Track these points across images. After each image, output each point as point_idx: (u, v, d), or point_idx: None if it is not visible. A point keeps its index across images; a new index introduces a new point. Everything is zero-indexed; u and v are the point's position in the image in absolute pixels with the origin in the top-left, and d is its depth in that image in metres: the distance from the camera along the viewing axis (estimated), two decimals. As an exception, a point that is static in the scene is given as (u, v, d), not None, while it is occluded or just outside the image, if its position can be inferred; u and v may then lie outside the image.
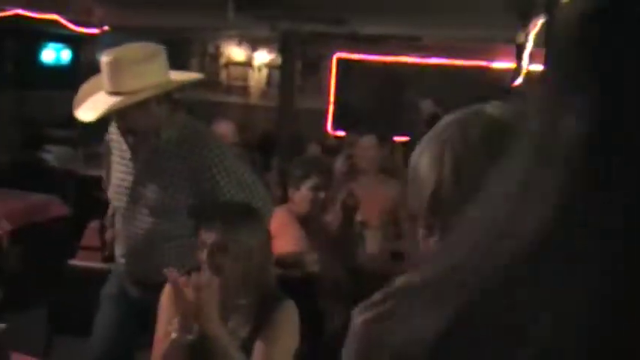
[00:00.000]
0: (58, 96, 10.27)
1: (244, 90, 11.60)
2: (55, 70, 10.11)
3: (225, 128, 5.14)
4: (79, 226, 5.26)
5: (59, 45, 10.24)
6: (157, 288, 2.43)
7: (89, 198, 6.63)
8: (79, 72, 10.42)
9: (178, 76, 2.83)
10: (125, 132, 2.72)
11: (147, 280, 2.70)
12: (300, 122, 9.51)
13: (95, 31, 8.67)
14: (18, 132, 8.87)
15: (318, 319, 3.29)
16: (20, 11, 7.65)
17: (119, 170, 2.82)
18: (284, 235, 3.47)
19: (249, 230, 2.32)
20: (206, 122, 6.07)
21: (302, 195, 3.58)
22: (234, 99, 11.51)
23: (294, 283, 3.31)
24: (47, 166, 6.85)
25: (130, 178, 2.77)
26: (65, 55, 10.46)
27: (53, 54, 10.26)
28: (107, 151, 2.95)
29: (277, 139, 8.46)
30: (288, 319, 2.35)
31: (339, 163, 4.89)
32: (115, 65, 2.60)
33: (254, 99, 11.54)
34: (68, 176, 6.61)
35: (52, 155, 7.40)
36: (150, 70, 2.63)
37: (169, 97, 2.74)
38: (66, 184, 6.07)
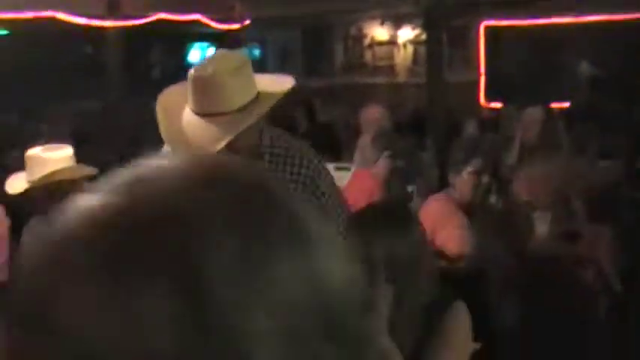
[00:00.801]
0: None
1: (391, 69, 11.37)
2: (203, 69, 10.32)
3: (375, 113, 4.92)
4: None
5: (204, 44, 10.43)
6: None
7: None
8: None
9: (268, 81, 2.45)
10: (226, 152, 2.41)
11: None
12: (452, 97, 9.14)
13: (237, 26, 8.71)
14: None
15: (485, 313, 3.01)
16: (163, 15, 7.78)
17: None
18: (445, 225, 3.20)
19: (392, 239, 2.05)
20: (355, 106, 5.92)
21: (463, 180, 3.31)
22: (380, 79, 11.33)
23: (459, 276, 3.04)
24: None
25: None
26: (210, 54, 10.65)
27: (199, 53, 10.47)
28: None
29: (429, 117, 8.16)
30: (460, 324, 2.08)
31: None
32: (213, 80, 2.22)
33: (401, 77, 11.28)
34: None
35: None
36: (249, 80, 2.30)
37: None
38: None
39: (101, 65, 8.57)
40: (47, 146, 3.17)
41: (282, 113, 8.43)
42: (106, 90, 8.61)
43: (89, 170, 3.24)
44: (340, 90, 10.66)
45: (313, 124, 7.54)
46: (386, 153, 3.85)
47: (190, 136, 2.26)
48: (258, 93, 2.28)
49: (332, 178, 2.52)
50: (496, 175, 3.38)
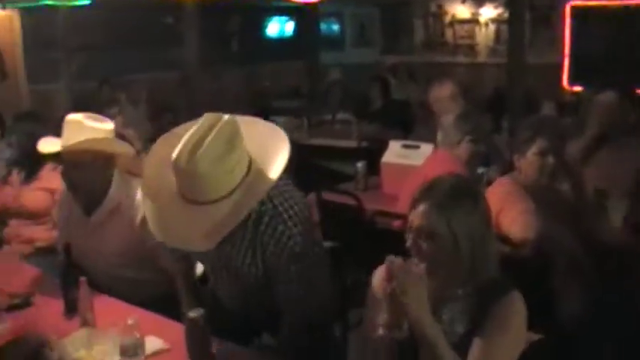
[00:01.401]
0: (284, 68, 10.59)
1: (471, 48, 11.09)
2: (280, 43, 10.29)
3: (447, 89, 4.79)
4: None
5: (282, 17, 10.39)
6: None
7: (310, 167, 6.65)
8: (302, 43, 10.58)
9: (260, 148, 2.30)
10: None
11: None
12: (533, 79, 8.85)
13: (315, 0, 8.64)
14: (247, 106, 9.14)
15: (548, 303, 2.89)
16: (242, -12, 7.76)
17: None
18: (510, 209, 3.09)
19: (462, 213, 2.00)
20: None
21: (528, 161, 3.19)
22: (461, 58, 11.08)
23: (521, 263, 2.93)
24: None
25: None
26: (289, 27, 10.61)
27: (277, 27, 10.44)
28: None
29: (507, 99, 7.93)
30: (513, 314, 1.99)
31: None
32: (194, 171, 2.09)
33: (482, 57, 11.00)
34: (292, 145, 6.58)
35: (279, 126, 7.43)
36: (236, 159, 2.15)
37: None
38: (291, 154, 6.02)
39: (180, 36, 8.65)
40: (90, 115, 3.06)
41: (356, 89, 8.43)
42: (184, 61, 8.69)
43: (126, 148, 3.11)
44: (418, 68, 10.47)
45: (387, 101, 7.45)
46: (467, 137, 3.73)
47: (176, 221, 2.19)
48: (250, 164, 2.20)
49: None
50: (562, 158, 3.23)
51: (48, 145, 3.07)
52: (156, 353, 2.36)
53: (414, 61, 11.07)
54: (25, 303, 2.85)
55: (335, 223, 4.05)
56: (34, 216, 3.97)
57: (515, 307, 2.00)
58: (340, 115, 7.76)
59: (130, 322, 2.11)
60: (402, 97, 8.39)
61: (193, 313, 2.28)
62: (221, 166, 2.10)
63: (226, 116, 2.18)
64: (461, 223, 1.98)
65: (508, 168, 4.34)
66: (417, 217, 2.01)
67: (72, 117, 3.01)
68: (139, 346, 2.07)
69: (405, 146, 4.46)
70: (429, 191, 2.05)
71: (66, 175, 3.05)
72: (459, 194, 2.04)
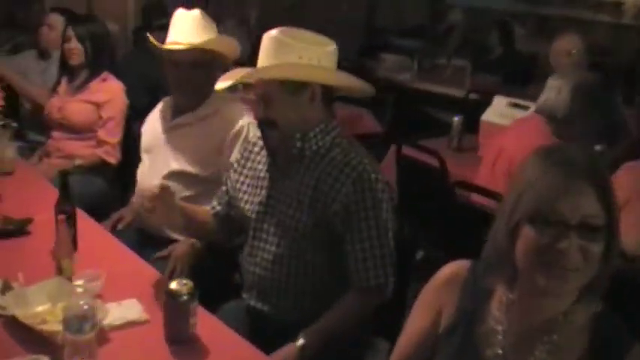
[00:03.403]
0: (410, 5, 9.87)
1: (617, 6, 9.98)
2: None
3: (567, 42, 4.03)
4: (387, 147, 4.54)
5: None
6: None
7: (410, 113, 6.01)
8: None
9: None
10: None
11: None
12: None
13: None
14: (363, 39, 8.55)
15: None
16: None
17: None
18: (635, 208, 2.40)
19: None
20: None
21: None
22: (604, 17, 9.99)
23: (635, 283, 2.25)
24: (373, 75, 6.27)
25: None
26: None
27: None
28: None
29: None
30: None
31: None
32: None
33: (628, 18, 9.88)
34: (392, 89, 5.97)
35: (384, 64, 6.85)
36: None
37: None
38: (387, 97, 5.41)
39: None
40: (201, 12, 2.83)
41: (479, 35, 7.66)
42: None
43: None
44: (555, 22, 9.51)
45: (509, 51, 6.68)
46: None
47: None
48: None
49: None
50: None
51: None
52: (128, 324, 1.88)
53: (550, 13, 10.07)
54: (19, 230, 2.44)
55: (412, 186, 3.44)
56: (77, 130, 3.64)
57: None
58: (455, 61, 7.03)
59: (78, 286, 1.61)
60: (529, 50, 7.56)
61: (176, 286, 1.79)
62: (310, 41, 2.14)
63: None
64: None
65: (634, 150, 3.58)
66: (572, 204, 1.34)
67: (185, 13, 2.81)
68: (88, 319, 1.58)
69: (513, 105, 3.74)
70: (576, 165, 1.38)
71: (174, 73, 2.80)
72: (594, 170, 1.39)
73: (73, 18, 3.98)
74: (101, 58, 3.65)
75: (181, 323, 1.80)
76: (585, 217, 1.33)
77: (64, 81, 3.74)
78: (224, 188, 2.40)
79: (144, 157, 2.95)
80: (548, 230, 1.33)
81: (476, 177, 3.13)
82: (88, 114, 3.60)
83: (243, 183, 2.31)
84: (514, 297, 1.47)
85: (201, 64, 2.77)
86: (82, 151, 3.59)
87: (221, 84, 2.25)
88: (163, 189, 2.10)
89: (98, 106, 3.60)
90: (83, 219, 2.58)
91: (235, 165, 2.37)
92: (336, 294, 2.10)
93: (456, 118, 4.03)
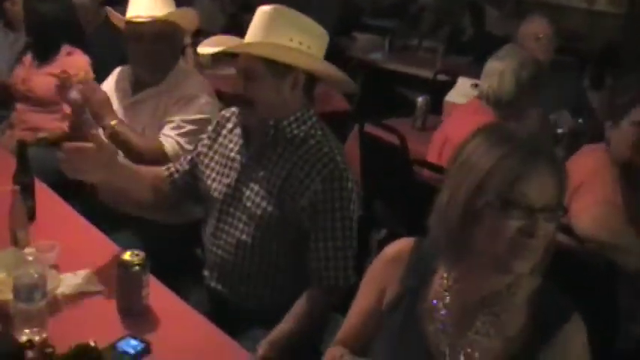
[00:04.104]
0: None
1: (592, -8, 10.04)
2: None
3: (535, 26, 4.06)
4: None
5: None
6: None
7: (383, 93, 6.04)
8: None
9: None
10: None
11: None
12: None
13: None
14: (336, 18, 8.50)
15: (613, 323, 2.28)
16: None
17: None
18: (588, 190, 2.45)
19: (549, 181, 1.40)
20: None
21: (621, 132, 2.52)
22: (577, 3, 10.03)
23: (585, 263, 2.30)
24: (345, 54, 6.29)
25: None
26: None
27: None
28: None
29: (621, 53, 7.04)
30: (575, 347, 1.46)
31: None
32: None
33: (601, 4, 9.93)
34: (363, 67, 6.00)
35: (356, 43, 6.86)
36: None
37: None
38: (357, 74, 5.43)
39: None
40: None
41: (445, 17, 7.67)
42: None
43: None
44: (530, 5, 9.55)
45: (480, 33, 6.71)
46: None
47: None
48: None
49: None
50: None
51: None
52: (81, 294, 1.91)
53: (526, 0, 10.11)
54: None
55: (375, 164, 3.47)
56: (42, 102, 3.63)
57: (578, 340, 1.46)
58: (427, 43, 7.05)
59: (29, 254, 1.63)
60: (503, 32, 7.60)
61: (129, 257, 1.81)
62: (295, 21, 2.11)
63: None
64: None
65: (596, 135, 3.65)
66: (538, 188, 1.37)
67: None
68: (38, 288, 1.60)
69: (476, 86, 3.78)
70: (536, 147, 1.40)
71: (137, 47, 2.79)
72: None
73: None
74: (60, 33, 3.63)
75: (133, 294, 1.82)
76: (548, 200, 1.36)
77: (29, 54, 3.72)
78: (188, 157, 2.36)
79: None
80: (516, 214, 1.35)
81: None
82: (52, 87, 3.57)
83: (212, 159, 2.27)
84: (457, 275, 1.50)
85: (164, 37, 2.77)
86: (47, 124, 3.59)
87: (205, 49, 2.21)
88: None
89: (65, 78, 3.56)
90: (43, 190, 2.60)
91: (206, 140, 2.31)
92: (298, 288, 2.07)
93: (420, 99, 4.06)
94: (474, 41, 6.66)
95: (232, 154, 2.21)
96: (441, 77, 5.43)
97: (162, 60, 2.81)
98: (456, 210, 1.41)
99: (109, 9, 2.84)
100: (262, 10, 2.10)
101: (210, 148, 2.29)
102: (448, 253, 1.48)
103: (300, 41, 2.07)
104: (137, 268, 1.80)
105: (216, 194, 2.21)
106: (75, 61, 3.60)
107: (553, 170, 1.38)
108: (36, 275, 1.61)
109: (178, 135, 2.69)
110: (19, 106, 3.68)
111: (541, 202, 1.36)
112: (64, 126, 3.55)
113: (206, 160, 2.28)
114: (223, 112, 2.34)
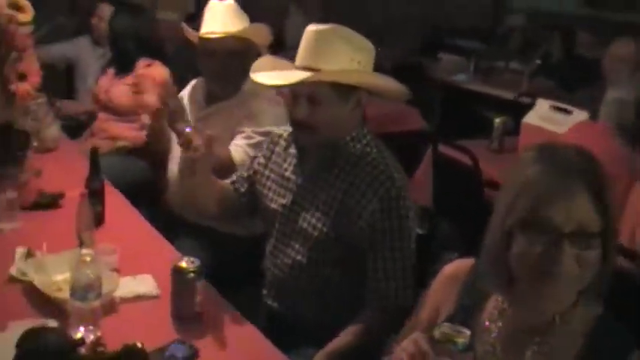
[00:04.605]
0: (473, 6, 9.73)
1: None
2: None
3: (623, 48, 3.93)
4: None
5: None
6: None
7: (460, 114, 5.95)
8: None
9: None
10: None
11: None
12: None
13: None
14: (422, 38, 8.46)
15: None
16: None
17: None
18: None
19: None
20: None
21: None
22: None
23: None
24: (428, 74, 6.25)
25: None
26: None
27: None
28: None
29: None
30: None
31: None
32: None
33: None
34: (444, 88, 5.94)
35: (440, 64, 6.80)
36: None
37: None
38: (435, 96, 5.38)
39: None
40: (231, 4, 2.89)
41: (534, 39, 7.51)
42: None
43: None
44: (612, 28, 9.23)
45: (570, 56, 6.54)
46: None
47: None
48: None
49: None
50: None
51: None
52: (138, 297, 1.95)
53: (618, 19, 9.79)
54: (51, 203, 2.54)
55: (448, 185, 3.42)
56: (120, 112, 3.73)
57: None
58: (514, 65, 6.93)
59: (84, 254, 1.67)
60: (594, 55, 7.39)
61: (185, 263, 1.84)
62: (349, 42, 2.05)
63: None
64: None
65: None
66: (565, 211, 1.28)
67: (219, 3, 2.86)
68: (93, 289, 1.64)
69: (555, 108, 3.68)
70: (570, 168, 1.32)
71: (209, 62, 2.86)
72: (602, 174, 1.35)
73: (119, 9, 4.03)
74: (138, 48, 3.73)
75: (186, 300, 1.85)
76: (580, 224, 1.28)
77: (113, 65, 3.85)
78: (245, 174, 2.35)
79: (174, 142, 2.95)
80: (540, 239, 1.29)
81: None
82: (129, 96, 3.69)
83: (268, 178, 2.26)
84: (508, 299, 1.45)
85: (236, 53, 2.79)
86: (125, 133, 3.68)
87: (269, 81, 2.15)
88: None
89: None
90: (114, 195, 2.67)
91: (262, 159, 2.31)
92: (353, 308, 2.04)
93: (497, 120, 3.99)
94: (562, 64, 6.50)
95: (287, 174, 2.19)
96: (524, 100, 5.32)
97: (234, 75, 2.84)
98: (493, 230, 1.37)
99: (183, 25, 2.90)
100: (316, 31, 2.04)
101: (265, 167, 2.28)
102: (491, 277, 1.43)
103: (359, 60, 2.04)
104: (192, 275, 1.82)
105: (273, 214, 2.20)
106: (153, 71, 3.69)
107: (587, 189, 1.29)
108: (92, 276, 1.65)
109: (248, 145, 2.72)
110: (100, 115, 3.80)
111: (570, 226, 1.27)
112: (143, 135, 3.65)
113: (263, 180, 2.27)
114: (276, 131, 2.34)
